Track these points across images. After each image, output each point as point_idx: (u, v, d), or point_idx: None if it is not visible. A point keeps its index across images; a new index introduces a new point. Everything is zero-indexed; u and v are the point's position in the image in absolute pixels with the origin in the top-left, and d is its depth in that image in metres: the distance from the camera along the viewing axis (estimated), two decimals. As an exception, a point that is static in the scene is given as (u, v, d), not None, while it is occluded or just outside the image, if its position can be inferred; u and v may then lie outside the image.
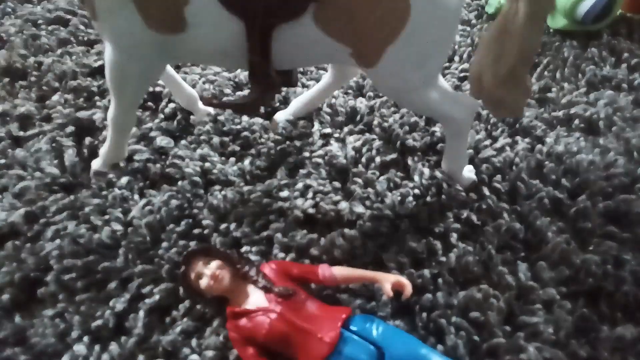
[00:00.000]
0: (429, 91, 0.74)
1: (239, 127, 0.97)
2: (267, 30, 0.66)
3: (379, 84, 0.78)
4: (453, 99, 0.76)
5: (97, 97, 1.05)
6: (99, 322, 0.70)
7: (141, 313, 0.71)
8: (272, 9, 0.64)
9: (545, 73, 1.13)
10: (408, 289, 0.66)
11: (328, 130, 0.98)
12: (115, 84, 0.76)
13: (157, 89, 1.05)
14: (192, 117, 0.99)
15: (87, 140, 0.94)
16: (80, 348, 0.68)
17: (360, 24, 0.65)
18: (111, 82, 0.76)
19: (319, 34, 0.67)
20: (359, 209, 0.82)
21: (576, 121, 0.99)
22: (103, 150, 0.88)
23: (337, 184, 0.87)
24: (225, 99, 1.04)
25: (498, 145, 0.93)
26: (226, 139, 0.95)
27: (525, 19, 0.69)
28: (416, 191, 0.84)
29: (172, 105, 1.01)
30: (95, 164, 0.89)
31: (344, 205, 0.83)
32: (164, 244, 0.78)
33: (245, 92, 1.07)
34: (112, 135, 0.84)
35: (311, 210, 0.82)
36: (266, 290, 0.66)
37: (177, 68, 1.13)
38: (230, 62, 0.75)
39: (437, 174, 0.86)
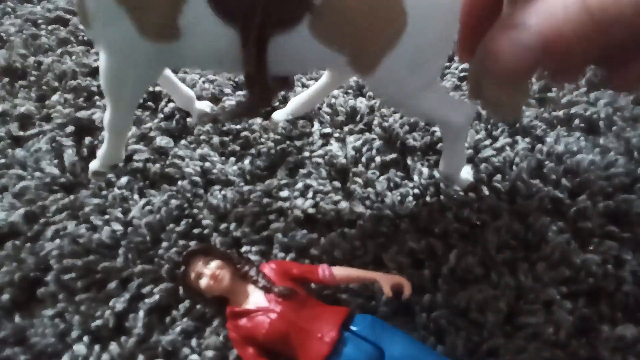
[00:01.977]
0: (427, 97, 0.73)
1: (239, 127, 0.97)
2: (263, 41, 0.64)
3: (377, 91, 0.77)
4: (452, 105, 0.76)
5: (97, 97, 1.05)
6: (99, 322, 0.70)
7: (141, 313, 0.71)
8: (267, 19, 0.63)
9: (545, 73, 1.12)
10: (408, 288, 0.66)
11: (328, 130, 0.98)
12: (111, 90, 0.75)
13: (157, 88, 1.04)
14: (188, 119, 0.99)
15: (87, 140, 0.94)
16: (80, 348, 0.68)
17: (356, 34, 0.64)
18: (106, 88, 0.75)
19: (315, 43, 0.66)
20: (359, 208, 0.82)
21: (576, 121, 0.99)
22: (100, 153, 0.87)
23: (337, 184, 0.87)
24: (224, 104, 1.03)
25: (498, 144, 0.93)
26: (226, 138, 0.95)
27: None
28: (416, 191, 0.84)
29: (171, 105, 1.01)
30: (93, 166, 0.89)
31: (344, 205, 0.83)
32: (164, 244, 0.78)
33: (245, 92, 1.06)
34: (109, 138, 0.83)
35: (311, 210, 0.82)
36: (266, 290, 0.66)
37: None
38: (225, 69, 0.75)
39: (437, 173, 0.86)
